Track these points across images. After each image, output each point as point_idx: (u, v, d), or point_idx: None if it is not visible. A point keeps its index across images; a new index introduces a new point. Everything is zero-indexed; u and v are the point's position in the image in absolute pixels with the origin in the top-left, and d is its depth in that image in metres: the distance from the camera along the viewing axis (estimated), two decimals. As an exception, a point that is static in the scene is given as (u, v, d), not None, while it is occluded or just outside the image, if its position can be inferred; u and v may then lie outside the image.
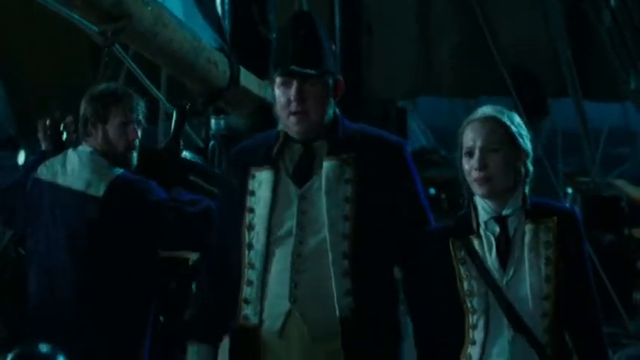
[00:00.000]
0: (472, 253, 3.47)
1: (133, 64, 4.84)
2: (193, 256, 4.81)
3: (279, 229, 3.55)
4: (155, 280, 4.40)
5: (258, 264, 3.55)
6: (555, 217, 3.47)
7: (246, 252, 3.57)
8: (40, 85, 7.86)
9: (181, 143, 4.96)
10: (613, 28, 7.60)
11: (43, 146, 4.68)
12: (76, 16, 4.14)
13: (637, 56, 7.76)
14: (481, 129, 3.46)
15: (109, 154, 4.37)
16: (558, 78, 8.95)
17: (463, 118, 3.59)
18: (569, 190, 9.83)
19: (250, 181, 3.59)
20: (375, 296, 3.56)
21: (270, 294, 3.55)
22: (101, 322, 4.22)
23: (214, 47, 5.43)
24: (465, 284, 3.46)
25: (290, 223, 3.54)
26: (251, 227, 3.57)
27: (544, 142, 10.59)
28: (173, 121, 5.00)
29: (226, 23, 6.08)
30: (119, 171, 4.32)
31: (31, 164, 4.59)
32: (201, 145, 5.90)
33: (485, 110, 3.51)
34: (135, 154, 4.43)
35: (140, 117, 4.46)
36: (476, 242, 3.48)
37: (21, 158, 6.31)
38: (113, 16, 4.22)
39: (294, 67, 3.50)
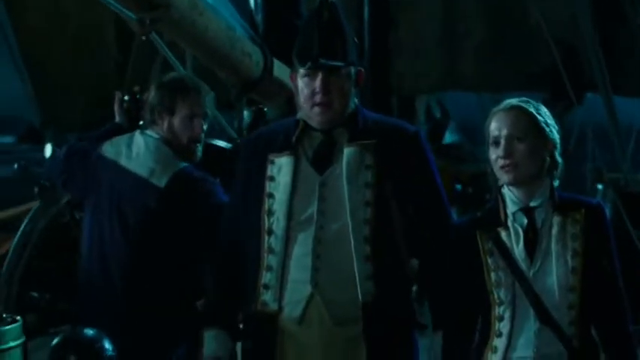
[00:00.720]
0: (500, 245, 3.51)
1: (169, 52, 4.86)
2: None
3: (299, 215, 3.59)
4: (199, 279, 4.39)
5: (278, 249, 3.58)
6: (583, 210, 3.52)
7: (266, 237, 3.60)
8: (64, 75, 7.87)
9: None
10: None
11: (118, 119, 4.65)
12: (115, 3, 4.15)
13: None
14: (506, 118, 3.52)
15: (174, 145, 4.38)
16: (588, 72, 8.92)
17: (489, 111, 3.64)
18: (600, 186, 9.78)
19: (269, 167, 3.63)
20: (395, 281, 3.62)
21: (290, 279, 3.58)
22: (146, 313, 4.24)
23: (248, 38, 5.45)
24: (493, 275, 3.50)
25: (311, 209, 3.59)
26: (271, 213, 3.60)
27: (575, 137, 10.59)
28: (247, 121, 5.07)
29: (259, 15, 6.10)
30: (183, 164, 4.33)
31: (104, 134, 4.55)
32: (235, 136, 5.91)
33: (511, 101, 3.59)
34: (199, 148, 4.44)
35: (207, 110, 4.48)
36: (503, 234, 3.53)
37: (48, 151, 6.35)
38: (151, 4, 4.24)
39: (322, 60, 3.55)
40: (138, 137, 4.40)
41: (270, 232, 3.59)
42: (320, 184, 3.59)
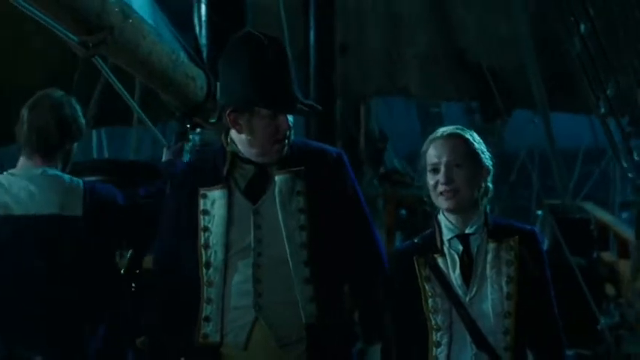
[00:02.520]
0: (436, 271, 3.58)
1: (111, 75, 4.85)
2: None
3: (237, 245, 3.65)
4: (118, 277, 4.37)
5: (217, 280, 3.63)
6: (517, 237, 3.60)
7: (204, 270, 3.65)
8: (18, 91, 7.83)
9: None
10: (583, 53, 7.74)
11: None
12: (58, 26, 4.14)
13: (606, 82, 7.89)
14: (445, 145, 3.61)
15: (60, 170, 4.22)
16: (527, 90, 9.09)
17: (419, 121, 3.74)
18: (539, 212, 9.92)
19: (202, 201, 3.68)
20: (335, 301, 3.70)
21: (231, 308, 3.64)
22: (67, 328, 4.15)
23: (191, 62, 5.47)
24: (430, 301, 3.57)
25: (247, 238, 3.64)
26: (207, 246, 3.65)
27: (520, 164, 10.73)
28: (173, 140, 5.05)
29: (203, 39, 6.12)
30: (80, 182, 4.20)
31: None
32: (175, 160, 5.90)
33: (447, 129, 3.67)
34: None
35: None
36: (440, 260, 3.61)
37: None
38: (94, 27, 4.24)
39: (287, 106, 3.64)
40: (12, 180, 4.13)
41: (208, 265, 3.65)
42: (254, 212, 3.65)
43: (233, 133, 3.70)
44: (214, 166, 3.72)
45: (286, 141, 3.68)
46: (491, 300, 3.53)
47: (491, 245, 3.59)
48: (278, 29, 7.02)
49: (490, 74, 9.57)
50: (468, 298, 3.55)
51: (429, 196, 3.63)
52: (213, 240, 3.65)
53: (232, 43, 3.71)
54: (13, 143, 4.41)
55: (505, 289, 3.54)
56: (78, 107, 4.34)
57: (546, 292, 3.63)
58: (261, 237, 3.64)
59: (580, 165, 10.75)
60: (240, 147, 3.70)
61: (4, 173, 4.24)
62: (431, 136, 3.68)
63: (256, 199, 3.67)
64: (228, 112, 3.66)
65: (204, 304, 3.63)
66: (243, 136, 3.67)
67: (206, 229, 3.66)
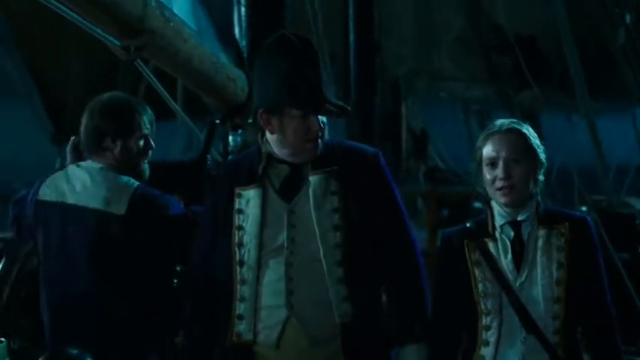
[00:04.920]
0: (487, 255, 3.60)
1: (154, 78, 4.89)
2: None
3: (270, 244, 3.68)
4: (172, 295, 4.39)
5: (250, 279, 3.66)
6: (567, 223, 3.62)
7: (238, 269, 3.68)
8: (72, 96, 7.95)
9: (209, 158, 5.01)
10: (628, 45, 7.66)
11: (69, 162, 4.47)
12: (99, 31, 4.18)
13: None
14: (503, 140, 3.60)
15: (124, 169, 4.29)
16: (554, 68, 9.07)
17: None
18: (583, 208, 9.84)
19: (237, 200, 3.72)
20: (370, 301, 3.70)
21: (264, 306, 3.66)
22: (119, 336, 4.20)
23: (232, 64, 5.51)
24: (480, 286, 3.59)
25: (281, 237, 3.67)
26: (241, 244, 3.69)
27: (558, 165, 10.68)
28: (204, 136, 5.06)
29: (243, 41, 6.16)
30: (134, 184, 4.26)
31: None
32: (220, 160, 5.96)
33: (504, 122, 3.67)
34: (147, 166, 4.38)
35: (151, 127, 4.39)
36: (491, 245, 3.62)
37: (57, 164, 6.28)
38: (136, 31, 4.28)
39: (320, 107, 3.66)
40: (75, 171, 4.28)
41: (241, 264, 3.68)
42: (289, 212, 3.68)
43: (267, 133, 3.74)
44: (250, 166, 3.77)
45: (319, 140, 3.70)
46: (541, 285, 3.55)
47: (542, 232, 3.61)
48: (317, 28, 7.05)
49: (524, 55, 9.55)
50: (518, 283, 3.57)
51: (484, 188, 3.65)
52: (247, 239, 3.68)
53: (265, 46, 3.76)
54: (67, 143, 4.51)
55: (555, 275, 3.56)
56: (136, 107, 4.35)
57: (598, 278, 3.62)
58: (295, 236, 3.66)
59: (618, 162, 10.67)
60: (274, 147, 3.74)
61: (73, 164, 4.35)
62: (487, 130, 3.68)
63: (290, 199, 3.70)
64: (260, 112, 3.70)
65: (238, 303, 3.67)
66: (275, 136, 3.70)
67: (240, 227, 3.70)
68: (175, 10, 4.77)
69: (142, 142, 4.33)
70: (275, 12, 6.19)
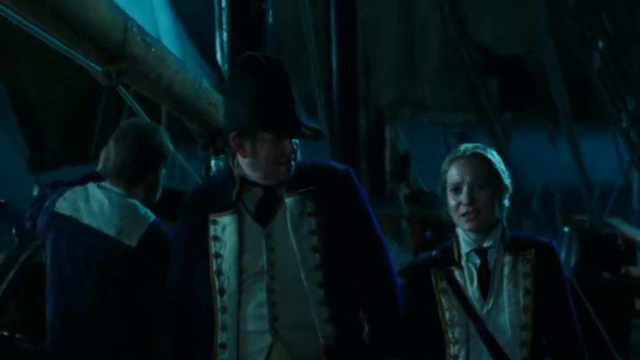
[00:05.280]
0: (453, 284, 3.56)
1: (135, 104, 4.90)
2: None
3: (250, 270, 3.62)
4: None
5: (231, 306, 3.61)
6: (533, 250, 3.57)
7: (218, 297, 3.62)
8: (52, 123, 7.94)
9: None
10: (603, 69, 7.74)
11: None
12: (81, 57, 4.19)
13: (627, 94, 7.89)
14: (467, 165, 3.56)
15: (146, 201, 4.28)
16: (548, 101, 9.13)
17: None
18: (566, 229, 9.88)
19: (212, 227, 3.65)
20: (352, 321, 3.67)
21: (247, 333, 3.61)
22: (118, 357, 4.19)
23: (214, 89, 5.52)
24: (447, 314, 3.54)
25: (261, 261, 3.62)
26: (220, 272, 3.63)
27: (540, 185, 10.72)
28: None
29: (225, 65, 6.18)
30: (151, 218, 4.24)
31: (79, 181, 4.39)
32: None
33: (468, 147, 3.61)
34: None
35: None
36: (457, 273, 3.58)
37: (35, 191, 6.30)
38: (117, 56, 4.28)
39: (293, 130, 3.62)
40: (96, 192, 4.28)
41: (222, 292, 3.62)
42: (266, 236, 3.63)
43: (239, 157, 3.69)
44: (223, 191, 3.70)
45: (292, 163, 3.67)
46: (508, 313, 3.51)
47: (508, 258, 3.57)
48: (300, 49, 7.07)
49: (509, 76, 9.63)
50: (484, 311, 3.53)
51: (449, 215, 3.64)
52: (225, 266, 3.62)
53: (234, 68, 3.73)
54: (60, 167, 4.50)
55: (522, 302, 3.52)
56: (162, 133, 4.36)
57: (565, 303, 3.58)
58: (274, 260, 3.62)
59: (601, 184, 10.70)
60: (246, 170, 3.69)
61: (94, 183, 4.31)
62: (451, 155, 3.62)
63: (267, 223, 3.65)
64: (232, 136, 3.64)
65: (219, 332, 3.61)
66: (247, 159, 3.65)
67: (218, 255, 3.64)
68: (160, 32, 4.79)
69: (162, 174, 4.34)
70: (257, 37, 6.20)
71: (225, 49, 6.21)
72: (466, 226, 3.56)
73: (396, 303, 3.69)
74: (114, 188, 4.27)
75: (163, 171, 4.36)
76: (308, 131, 3.64)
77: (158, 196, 4.36)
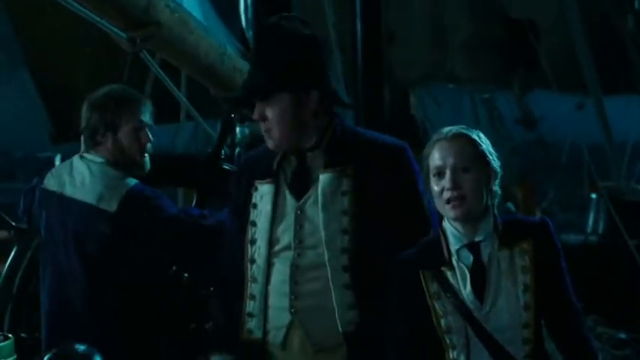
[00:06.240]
0: (446, 287, 3.29)
1: (160, 70, 4.87)
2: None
3: (279, 243, 3.53)
4: (164, 293, 4.37)
5: (260, 277, 3.54)
6: (530, 239, 3.29)
7: (249, 266, 3.56)
8: (74, 87, 7.95)
9: (223, 153, 4.96)
10: (637, 31, 7.61)
11: None
12: (105, 23, 4.16)
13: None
14: (450, 147, 3.28)
15: (122, 163, 4.26)
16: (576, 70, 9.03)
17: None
18: (593, 196, 9.81)
19: (254, 194, 3.57)
20: (380, 308, 3.47)
21: (272, 307, 3.53)
22: (111, 333, 4.18)
23: (238, 55, 5.48)
24: (442, 321, 3.28)
25: (289, 236, 3.51)
26: (253, 241, 3.56)
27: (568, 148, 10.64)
28: (218, 131, 5.02)
29: (250, 32, 6.14)
30: (131, 182, 4.22)
31: None
32: (227, 152, 5.93)
33: (452, 128, 3.34)
34: (148, 159, 4.33)
35: (149, 119, 4.32)
36: (449, 274, 3.30)
37: (57, 161, 6.29)
38: (141, 23, 4.26)
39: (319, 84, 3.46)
40: (78, 164, 4.27)
41: (252, 261, 3.55)
42: (297, 211, 3.51)
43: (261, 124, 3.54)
44: (267, 159, 3.58)
45: (269, 136, 3.48)
46: (507, 312, 3.26)
47: (504, 252, 3.28)
48: (324, 19, 7.02)
49: (537, 46, 9.54)
50: (482, 313, 3.26)
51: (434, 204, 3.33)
52: (258, 235, 3.54)
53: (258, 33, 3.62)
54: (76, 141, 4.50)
55: (522, 300, 3.26)
56: (127, 98, 4.28)
57: (564, 288, 3.34)
58: (303, 237, 3.49)
59: (628, 156, 10.60)
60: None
61: (78, 155, 4.32)
62: (434, 137, 3.34)
63: (301, 196, 3.52)
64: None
65: (248, 300, 3.55)
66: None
67: (254, 223, 3.55)
68: (183, 1, 4.75)
69: (136, 135, 4.27)
70: (281, 2, 6.15)
71: (250, 14, 6.17)
72: (451, 214, 3.26)
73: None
74: (95, 157, 4.26)
75: (147, 134, 4.29)
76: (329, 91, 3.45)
77: (147, 162, 4.31)
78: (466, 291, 3.27)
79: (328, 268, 3.46)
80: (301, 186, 3.53)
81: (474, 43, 10.37)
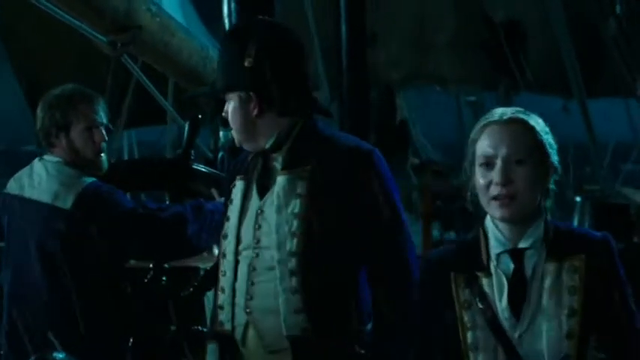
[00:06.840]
0: (479, 296, 2.80)
1: (141, 74, 4.86)
2: (203, 265, 4.82)
3: (244, 240, 3.50)
4: (124, 289, 4.36)
5: (229, 272, 3.51)
6: (584, 255, 2.77)
7: (221, 260, 3.55)
8: (58, 83, 7.96)
9: (192, 154, 4.94)
10: (619, 35, 7.64)
11: None
12: (86, 27, 4.15)
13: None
14: (504, 134, 2.76)
15: (79, 164, 4.22)
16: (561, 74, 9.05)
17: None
18: (578, 199, 9.81)
19: (233, 190, 3.56)
20: (331, 315, 3.39)
21: (237, 303, 3.51)
22: (73, 332, 4.13)
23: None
24: (469, 335, 2.80)
25: (250, 235, 3.48)
26: (225, 236, 3.54)
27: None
28: (185, 132, 5.00)
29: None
30: (88, 180, 4.18)
31: None
32: (210, 156, 5.92)
33: (506, 110, 2.82)
34: (105, 158, 4.28)
35: (103, 118, 4.25)
36: (485, 281, 2.80)
37: None
38: (122, 26, 4.25)
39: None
40: (37, 165, 4.28)
41: (224, 255, 3.53)
42: (257, 210, 3.47)
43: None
44: (246, 156, 3.57)
45: (261, 131, 3.42)
46: (546, 338, 2.75)
47: (551, 266, 2.76)
48: (307, 21, 7.01)
49: (521, 52, 9.57)
50: (517, 334, 2.76)
51: (476, 197, 2.80)
52: (228, 231, 3.51)
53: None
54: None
55: (566, 327, 2.74)
56: (78, 97, 4.21)
57: (626, 317, 2.80)
58: (260, 238, 3.44)
59: (612, 151, 10.61)
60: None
61: (38, 158, 4.30)
62: (484, 120, 2.80)
63: (263, 196, 3.47)
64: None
65: (219, 293, 3.53)
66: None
67: (228, 218, 3.53)
68: (164, 5, 4.75)
69: (89, 135, 4.22)
70: (264, 6, 6.14)
71: (233, 18, 6.15)
72: (497, 214, 2.75)
73: (405, 312, 3.28)
74: (52, 158, 4.25)
75: (101, 133, 4.23)
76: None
77: (104, 162, 4.28)
78: (501, 305, 2.77)
79: (277, 271, 3.41)
80: (264, 186, 3.51)
81: (458, 44, 10.39)
